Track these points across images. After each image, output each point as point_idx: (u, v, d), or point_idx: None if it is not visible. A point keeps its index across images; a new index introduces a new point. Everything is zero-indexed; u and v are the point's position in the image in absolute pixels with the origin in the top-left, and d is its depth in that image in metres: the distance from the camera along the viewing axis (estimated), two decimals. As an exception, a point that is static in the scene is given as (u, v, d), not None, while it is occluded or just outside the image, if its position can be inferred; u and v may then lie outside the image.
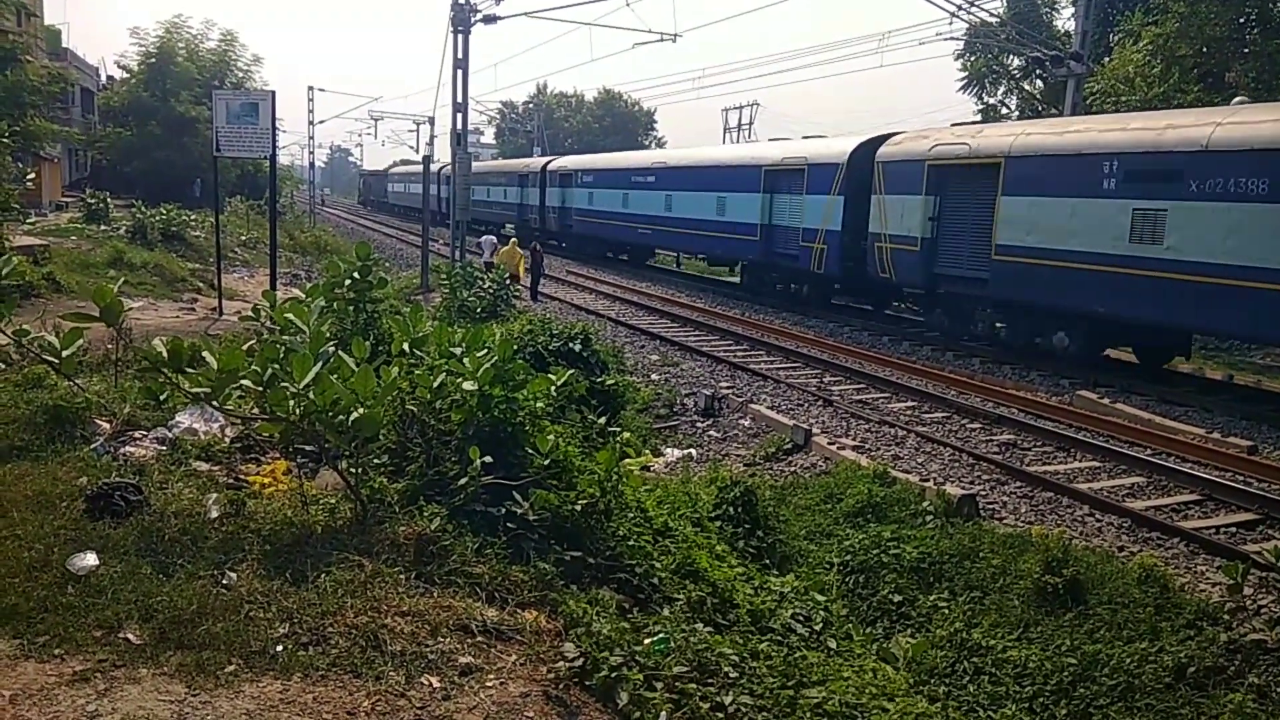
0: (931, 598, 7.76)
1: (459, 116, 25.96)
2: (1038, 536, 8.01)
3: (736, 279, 28.85)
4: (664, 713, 4.33)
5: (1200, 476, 10.05)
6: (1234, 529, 8.86)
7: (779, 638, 5.85)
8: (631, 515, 6.20)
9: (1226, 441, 11.46)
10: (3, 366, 8.89)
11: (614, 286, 27.27)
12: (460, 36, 25.50)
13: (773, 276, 25.02)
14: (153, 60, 39.54)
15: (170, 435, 6.72)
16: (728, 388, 14.47)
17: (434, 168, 44.49)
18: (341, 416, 5.08)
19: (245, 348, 6.26)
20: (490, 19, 25.88)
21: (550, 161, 41.43)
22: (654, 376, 15.52)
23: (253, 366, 5.20)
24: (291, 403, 5.09)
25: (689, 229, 28.22)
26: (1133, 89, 23.47)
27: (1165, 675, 6.34)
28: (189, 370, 5.35)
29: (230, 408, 5.68)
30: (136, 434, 6.73)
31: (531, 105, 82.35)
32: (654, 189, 30.58)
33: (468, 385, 5.69)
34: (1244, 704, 5.95)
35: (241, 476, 6.25)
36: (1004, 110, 35.76)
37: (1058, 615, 7.10)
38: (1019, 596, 7.39)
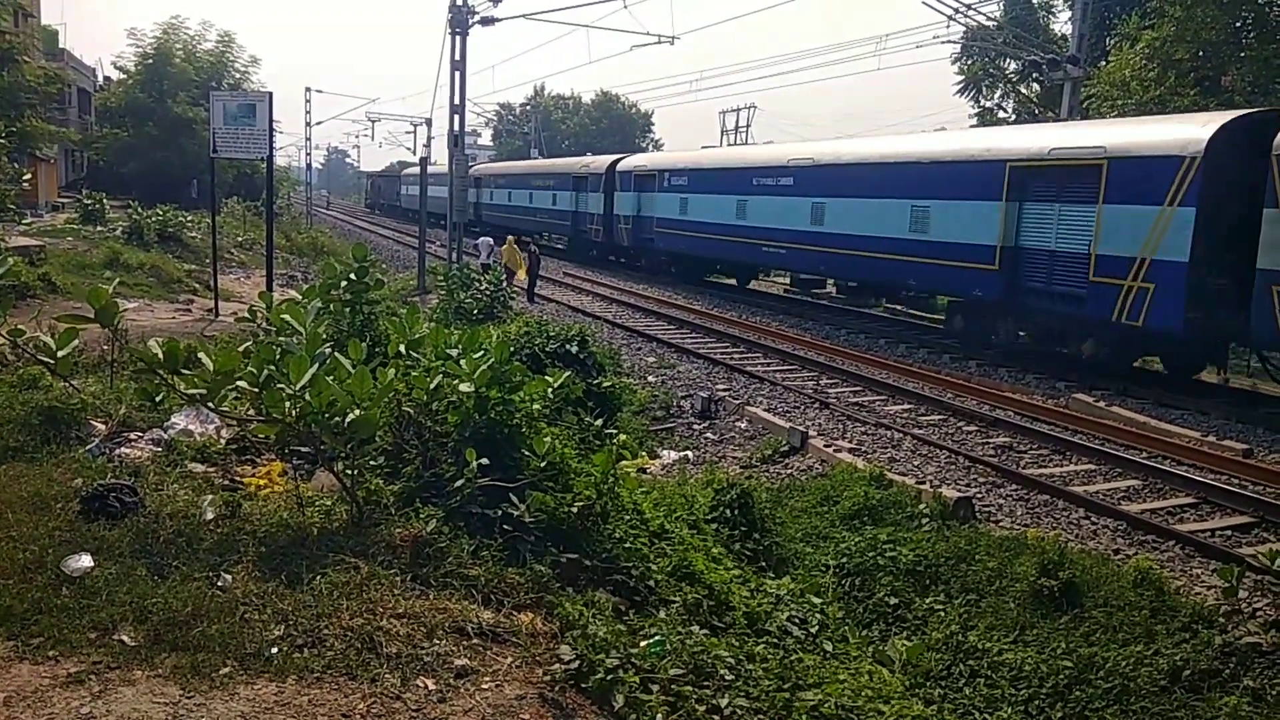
0: (927, 600, 7.76)
1: (456, 118, 25.96)
2: (1033, 539, 8.02)
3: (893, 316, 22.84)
4: (660, 715, 4.32)
5: (1196, 479, 10.07)
6: (1229, 532, 8.88)
7: (775, 640, 5.85)
8: (628, 517, 6.20)
9: (1222, 444, 11.48)
10: (-2, 367, 8.88)
11: (611, 289, 27.27)
12: (458, 38, 25.51)
13: (1013, 322, 17.37)
14: (150, 61, 39.51)
15: (166, 436, 6.71)
16: (724, 390, 14.48)
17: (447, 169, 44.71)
18: (338, 418, 5.07)
19: (241, 349, 6.26)
20: (488, 21, 25.89)
21: (620, 160, 34.55)
22: (651, 378, 15.52)
23: (249, 368, 5.19)
24: (287, 404, 5.08)
25: (857, 250, 20.40)
26: (1128, 93, 23.54)
27: (1161, 678, 6.34)
28: (185, 371, 5.34)
29: (226, 409, 5.66)
30: (132, 435, 6.72)
31: (529, 107, 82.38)
32: (792, 194, 22.96)
33: (464, 387, 5.69)
34: (1239, 707, 5.96)
35: (237, 478, 6.24)
36: (1001, 114, 35.86)
37: (1053, 618, 7.11)
38: (1015, 599, 7.40)
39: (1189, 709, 6.14)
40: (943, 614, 7.56)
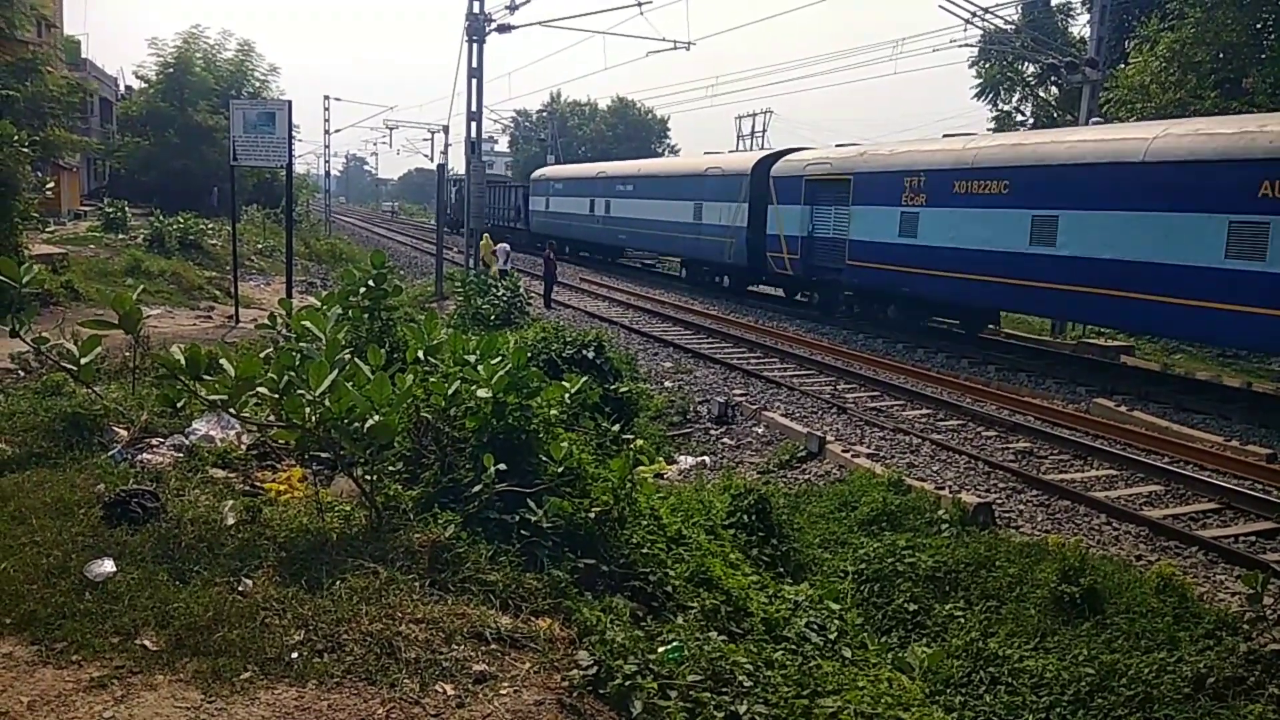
0: (947, 607, 7.71)
1: (473, 125, 26.08)
2: (1054, 545, 7.96)
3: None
4: (678, 721, 4.31)
5: (1219, 485, 9.97)
6: (1253, 538, 8.78)
7: (793, 646, 5.83)
8: (645, 523, 6.19)
9: (1245, 449, 11.36)
10: (22, 374, 8.99)
11: (627, 294, 27.27)
12: (475, 46, 25.64)
13: None
14: (170, 70, 39.91)
15: (187, 442, 6.76)
16: (741, 395, 14.45)
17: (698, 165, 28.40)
18: (357, 424, 5.10)
19: (262, 355, 6.29)
20: (504, 28, 26.01)
21: None
22: (667, 384, 15.51)
23: (269, 374, 5.22)
24: (308, 410, 5.11)
25: None
26: (1148, 96, 23.36)
27: (1184, 686, 6.27)
28: (206, 377, 5.39)
29: (247, 415, 5.71)
30: (154, 441, 6.78)
31: (545, 113, 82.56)
32: None
33: (482, 393, 5.70)
34: (1265, 715, 5.89)
35: (257, 483, 6.28)
36: (1019, 117, 35.68)
37: (1075, 625, 7.04)
38: (1035, 606, 7.34)
39: (1213, 717, 6.07)
40: (963, 620, 7.51)
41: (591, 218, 36.16)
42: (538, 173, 44.03)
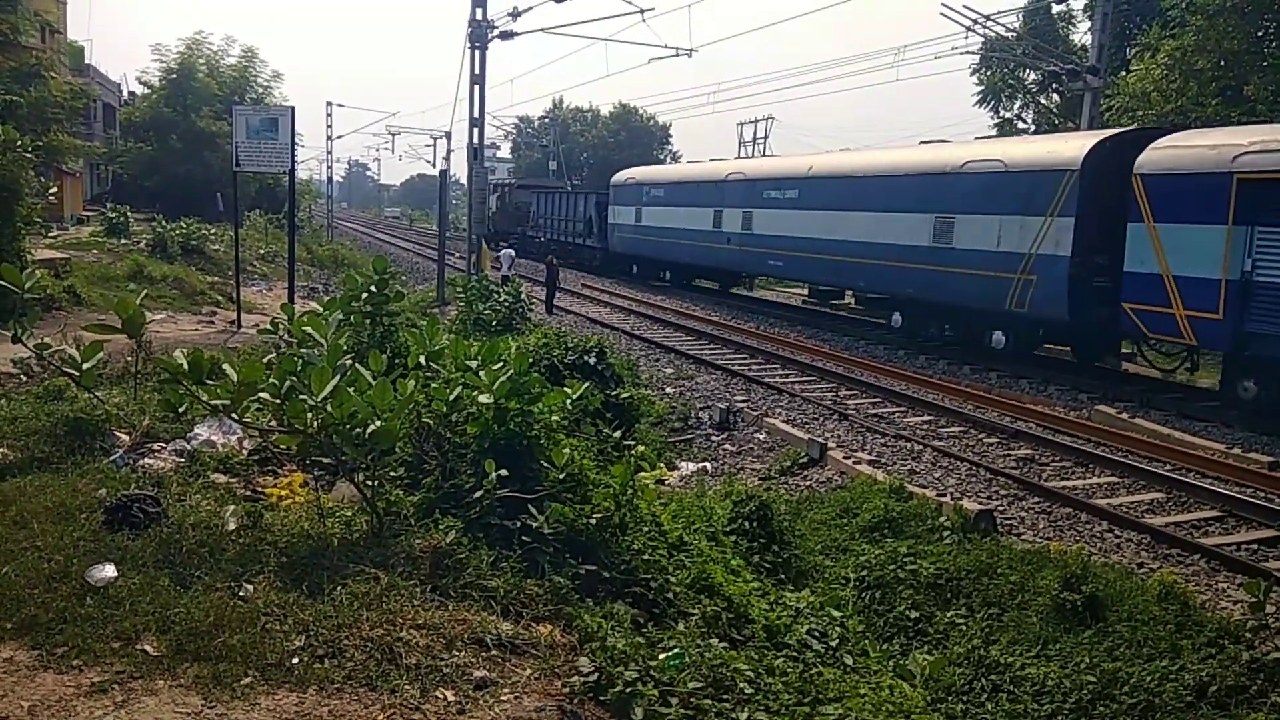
0: (949, 614, 7.69)
1: (476, 131, 26.13)
2: (1056, 552, 7.95)
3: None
4: (679, 728, 4.30)
5: (1221, 493, 9.96)
6: (1256, 546, 8.77)
7: (794, 654, 5.81)
8: (646, 529, 6.19)
9: (1247, 457, 11.35)
10: (24, 379, 9.00)
11: (629, 300, 27.28)
12: (477, 53, 25.70)
13: None
14: (174, 76, 40.10)
15: (189, 447, 6.77)
16: (743, 401, 14.45)
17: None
18: (358, 429, 5.10)
19: (264, 361, 6.30)
20: (507, 35, 26.08)
21: None
22: (669, 390, 15.51)
23: (271, 379, 5.23)
24: (309, 415, 5.11)
25: None
26: (1149, 103, 23.39)
27: (1186, 694, 6.26)
28: (208, 382, 5.39)
29: (249, 420, 5.71)
30: (155, 446, 6.78)
31: (547, 120, 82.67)
32: None
33: (483, 398, 5.70)
34: (1267, 724, 5.87)
35: (259, 489, 6.28)
36: (1020, 124, 35.72)
37: (1076, 632, 7.03)
38: (1037, 613, 7.32)
39: (1215, 726, 6.06)
40: (964, 628, 7.49)
41: (717, 235, 26.68)
42: (622, 176, 34.51)
